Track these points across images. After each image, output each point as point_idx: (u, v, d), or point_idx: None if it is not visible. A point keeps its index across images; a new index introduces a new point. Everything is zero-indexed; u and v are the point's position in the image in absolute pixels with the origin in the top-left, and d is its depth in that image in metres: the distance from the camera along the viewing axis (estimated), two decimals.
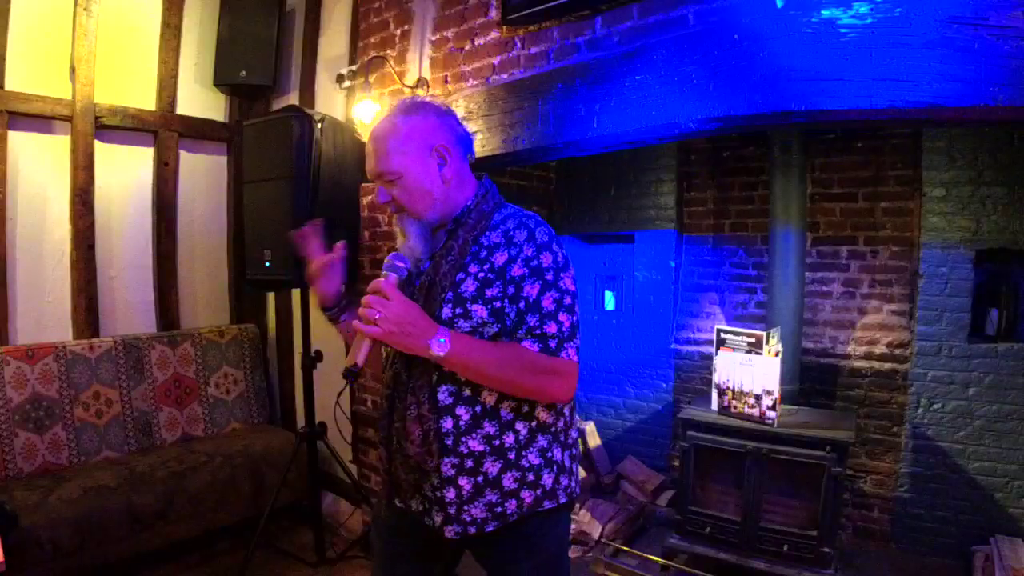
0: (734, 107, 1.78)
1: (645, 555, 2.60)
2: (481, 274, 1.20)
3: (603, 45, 2.10)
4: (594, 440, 3.39)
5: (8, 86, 2.74)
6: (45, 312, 2.93)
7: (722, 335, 2.46)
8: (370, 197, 2.92)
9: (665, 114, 1.92)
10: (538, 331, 1.17)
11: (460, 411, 1.20)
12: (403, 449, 1.21)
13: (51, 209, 2.94)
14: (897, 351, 2.65)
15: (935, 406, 2.52)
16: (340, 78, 3.09)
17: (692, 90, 1.86)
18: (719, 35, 1.81)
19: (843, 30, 1.63)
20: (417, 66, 2.71)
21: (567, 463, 1.29)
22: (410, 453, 1.19)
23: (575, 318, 1.21)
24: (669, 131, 1.96)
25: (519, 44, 2.34)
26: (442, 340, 1.12)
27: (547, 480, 1.25)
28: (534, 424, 1.24)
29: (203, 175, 3.54)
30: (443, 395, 1.21)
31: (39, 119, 2.86)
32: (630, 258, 3.46)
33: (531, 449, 1.23)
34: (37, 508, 2.29)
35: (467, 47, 2.52)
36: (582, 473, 3.13)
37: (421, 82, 2.67)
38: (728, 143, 3.09)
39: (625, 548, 2.66)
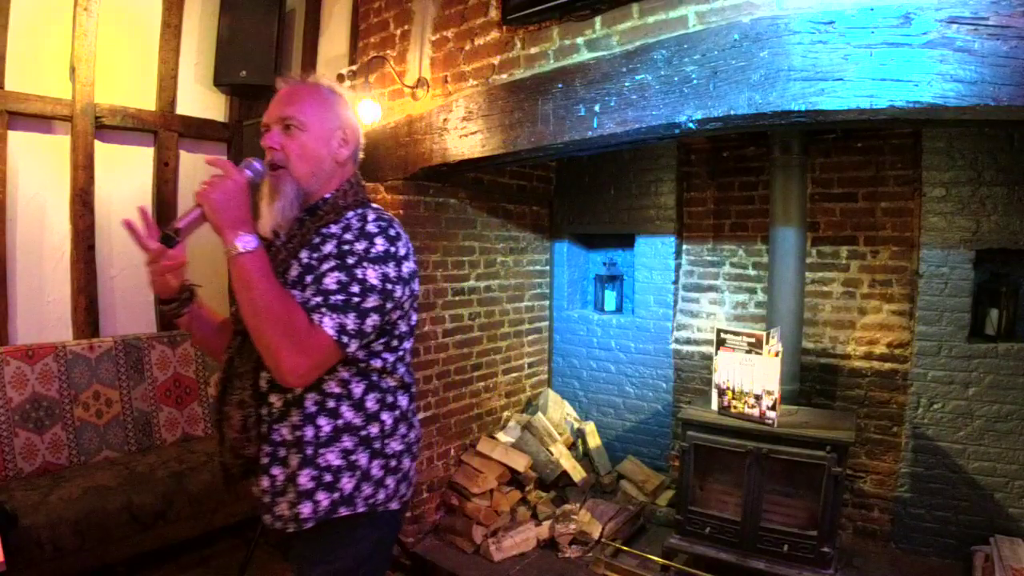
0: (734, 107, 1.78)
1: (645, 555, 2.60)
2: (306, 260, 1.20)
3: (603, 45, 2.10)
4: (594, 440, 3.39)
5: (8, 86, 2.74)
6: (45, 312, 2.94)
7: (722, 335, 2.46)
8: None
9: (665, 114, 1.92)
10: (302, 299, 1.14)
11: (273, 398, 1.19)
12: (227, 434, 1.20)
13: (51, 209, 2.94)
14: (897, 351, 2.65)
15: (935, 406, 2.52)
16: (340, 78, 3.08)
17: (692, 90, 1.86)
18: (719, 35, 1.81)
19: (843, 30, 1.63)
20: (417, 66, 2.70)
21: (375, 472, 1.21)
22: (230, 437, 1.18)
23: (356, 302, 1.12)
24: (669, 131, 1.96)
25: (519, 44, 2.33)
26: (251, 241, 1.11)
27: (346, 485, 1.17)
28: (340, 423, 1.17)
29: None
30: (262, 381, 1.20)
31: (39, 119, 2.86)
32: (630, 258, 3.47)
33: (332, 448, 1.17)
34: (37, 508, 2.29)
35: (467, 47, 2.52)
36: (582, 473, 3.13)
37: (421, 82, 2.67)
38: (728, 143, 3.09)
39: (625, 548, 2.66)
